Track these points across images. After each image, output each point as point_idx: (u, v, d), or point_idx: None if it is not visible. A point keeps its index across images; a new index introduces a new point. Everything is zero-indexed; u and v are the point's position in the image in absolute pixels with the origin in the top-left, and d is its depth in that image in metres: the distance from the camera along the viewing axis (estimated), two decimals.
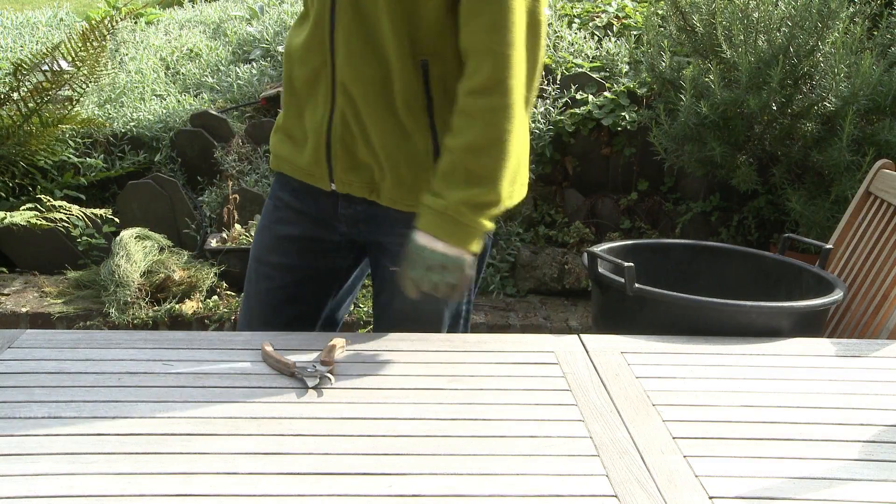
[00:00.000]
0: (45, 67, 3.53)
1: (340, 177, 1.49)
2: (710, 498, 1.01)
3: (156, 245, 3.40)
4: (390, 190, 1.49)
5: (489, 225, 1.39)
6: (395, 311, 1.58)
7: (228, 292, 3.45)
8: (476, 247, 1.38)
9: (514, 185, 1.46)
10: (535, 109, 3.69)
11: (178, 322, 3.23)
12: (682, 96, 3.22)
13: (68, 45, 3.54)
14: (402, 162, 1.47)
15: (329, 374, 1.28)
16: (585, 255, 1.70)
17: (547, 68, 3.89)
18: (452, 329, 1.61)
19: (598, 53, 4.16)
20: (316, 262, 1.61)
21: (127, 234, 3.36)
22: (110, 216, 3.49)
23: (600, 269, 1.66)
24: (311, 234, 1.58)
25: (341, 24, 1.42)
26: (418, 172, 1.47)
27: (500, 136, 1.35)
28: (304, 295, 1.63)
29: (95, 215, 3.36)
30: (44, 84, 3.52)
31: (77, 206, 3.35)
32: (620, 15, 4.54)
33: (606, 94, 3.80)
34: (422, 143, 1.46)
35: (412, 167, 1.47)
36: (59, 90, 3.59)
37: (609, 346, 1.46)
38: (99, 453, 1.05)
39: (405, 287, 1.41)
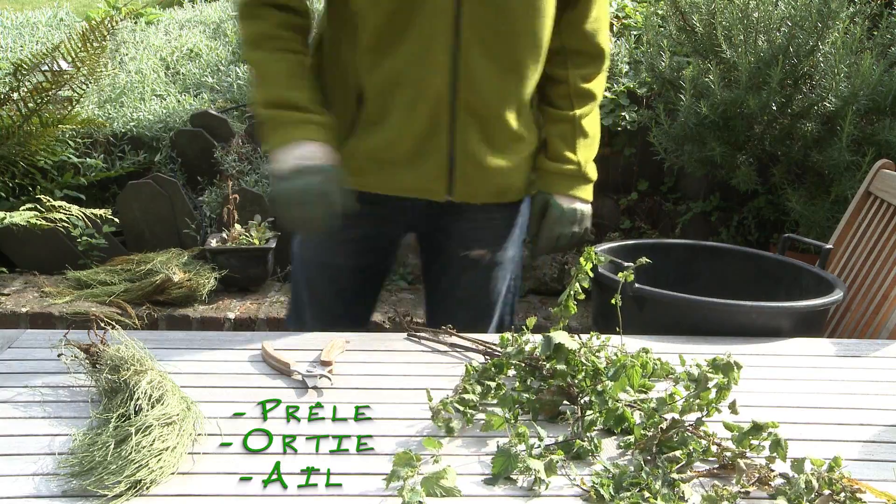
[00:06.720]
0: (45, 67, 3.53)
1: (462, 189, 1.53)
2: None
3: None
4: (517, 191, 1.61)
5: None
6: (461, 293, 1.69)
7: (228, 292, 3.46)
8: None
9: None
10: None
11: (178, 322, 3.23)
12: (682, 96, 3.22)
13: (68, 46, 3.54)
14: (525, 160, 1.59)
15: (329, 374, 1.28)
16: None
17: None
18: (507, 304, 1.73)
19: None
20: (377, 259, 1.69)
21: None
22: (110, 216, 3.49)
23: (600, 269, 1.66)
24: (374, 232, 1.63)
25: (466, 47, 1.41)
26: (532, 162, 1.61)
27: (598, 110, 1.65)
28: (368, 291, 1.72)
29: (95, 215, 3.36)
30: (44, 84, 3.52)
31: (77, 207, 3.35)
32: (620, 15, 4.54)
33: (606, 94, 3.80)
34: (536, 136, 1.60)
35: (530, 160, 1.60)
36: (59, 90, 3.59)
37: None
38: None
39: (538, 251, 1.61)
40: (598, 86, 1.61)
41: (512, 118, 1.51)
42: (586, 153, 1.60)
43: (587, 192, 1.61)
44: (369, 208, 1.56)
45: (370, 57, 1.45)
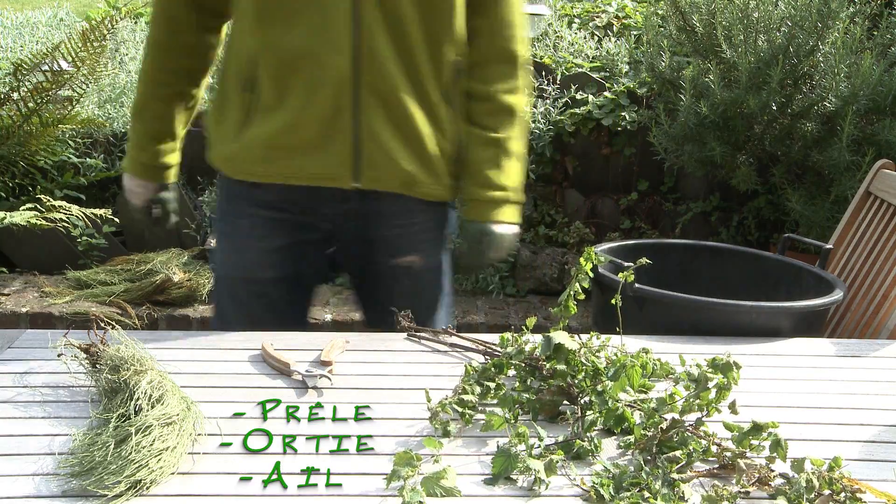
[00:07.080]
0: (45, 67, 3.53)
1: (369, 174, 1.49)
2: None
3: None
4: (429, 189, 1.55)
5: None
6: (397, 302, 1.59)
7: None
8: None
9: None
10: (535, 109, 3.69)
11: (178, 322, 3.23)
12: (682, 96, 3.22)
13: (68, 45, 3.54)
14: (437, 161, 1.54)
15: (329, 374, 1.28)
16: None
17: (547, 68, 3.89)
18: (447, 306, 1.69)
19: (598, 53, 4.16)
20: (303, 266, 1.62)
21: None
22: (110, 216, 3.49)
23: (600, 269, 1.66)
24: (295, 239, 1.58)
25: (368, 24, 1.40)
26: (448, 167, 1.57)
27: (524, 123, 1.59)
28: (298, 299, 1.66)
29: (95, 215, 3.36)
30: (44, 84, 3.52)
31: (77, 207, 3.35)
32: (620, 15, 4.54)
33: (606, 94, 3.80)
34: (451, 141, 1.56)
35: (444, 163, 1.56)
36: (59, 90, 3.59)
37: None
38: None
39: (469, 273, 1.60)
40: (521, 101, 1.57)
41: (416, 107, 1.47)
42: (515, 177, 1.57)
43: (518, 215, 1.59)
44: (280, 215, 1.55)
45: (261, 34, 1.41)
